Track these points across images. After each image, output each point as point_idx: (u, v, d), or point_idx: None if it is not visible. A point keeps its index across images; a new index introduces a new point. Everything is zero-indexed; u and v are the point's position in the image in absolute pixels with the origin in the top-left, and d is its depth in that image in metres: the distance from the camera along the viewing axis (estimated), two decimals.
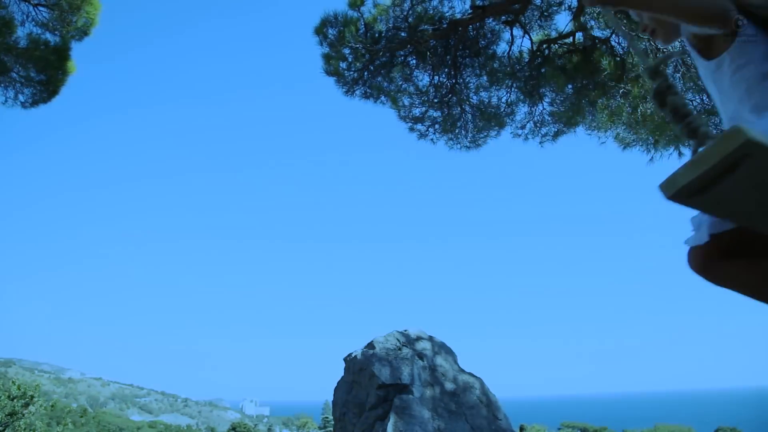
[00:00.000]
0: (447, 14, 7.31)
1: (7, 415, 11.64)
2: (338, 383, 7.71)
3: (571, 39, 7.30)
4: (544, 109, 7.61)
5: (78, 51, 7.51)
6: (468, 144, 8.02)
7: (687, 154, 6.59)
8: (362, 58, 7.30)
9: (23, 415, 11.90)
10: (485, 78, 7.66)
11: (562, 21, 7.42)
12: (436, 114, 7.92)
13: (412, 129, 8.00)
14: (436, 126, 7.97)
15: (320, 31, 7.19)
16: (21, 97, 7.44)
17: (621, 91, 6.67)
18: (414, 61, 7.64)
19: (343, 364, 7.74)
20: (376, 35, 7.23)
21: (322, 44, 7.27)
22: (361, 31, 7.12)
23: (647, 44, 6.57)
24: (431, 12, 7.27)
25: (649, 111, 6.42)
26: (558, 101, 7.45)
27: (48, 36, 7.31)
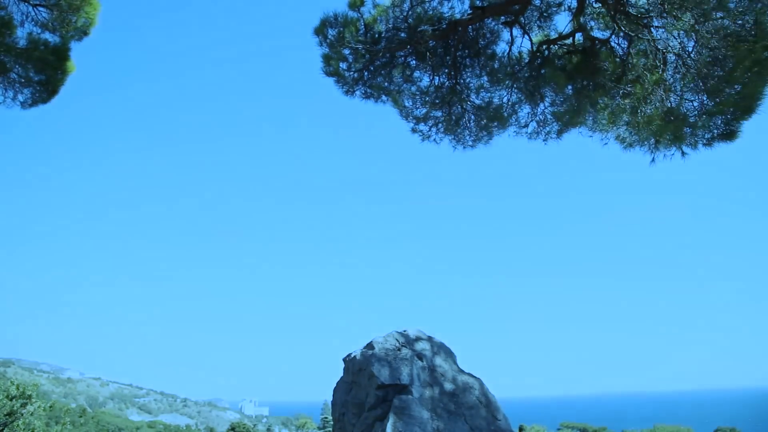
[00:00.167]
0: (446, 15, 7.31)
1: (6, 415, 11.63)
2: (337, 383, 7.71)
3: (570, 40, 7.30)
4: (545, 108, 7.61)
5: (77, 51, 7.51)
6: (471, 144, 8.01)
7: (690, 153, 6.58)
8: (362, 59, 7.29)
9: (22, 415, 11.88)
10: (485, 78, 7.65)
11: (562, 22, 7.41)
12: (438, 114, 7.91)
13: (414, 130, 7.99)
14: (439, 126, 7.96)
15: (320, 31, 7.18)
16: (20, 97, 7.43)
17: (621, 91, 6.66)
18: (414, 62, 7.63)
19: (342, 365, 7.74)
20: (376, 36, 7.23)
21: (321, 45, 7.27)
22: (361, 32, 7.11)
23: (648, 45, 6.58)
24: (431, 13, 7.26)
25: (649, 111, 6.42)
26: (558, 102, 7.44)
27: (47, 36, 7.30)
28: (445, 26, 7.22)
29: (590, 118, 7.17)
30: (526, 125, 7.78)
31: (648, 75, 6.42)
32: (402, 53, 7.50)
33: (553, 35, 7.44)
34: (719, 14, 5.56)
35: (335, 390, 7.68)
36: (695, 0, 5.66)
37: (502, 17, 7.38)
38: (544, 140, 7.74)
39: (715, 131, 6.27)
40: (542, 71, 7.35)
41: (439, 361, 7.22)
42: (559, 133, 7.64)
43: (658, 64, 6.48)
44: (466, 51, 7.55)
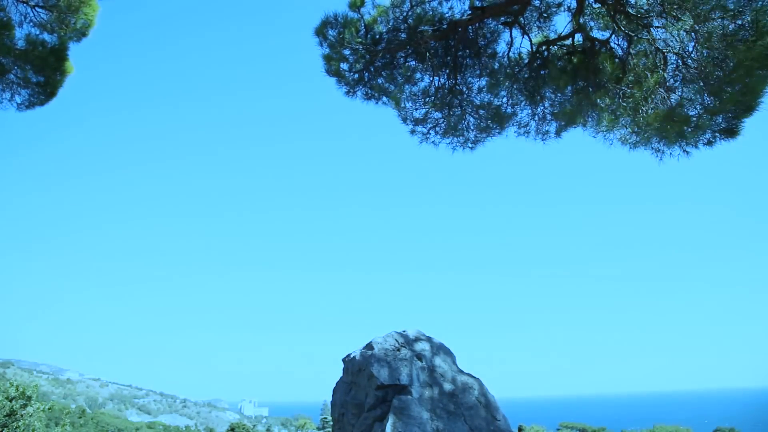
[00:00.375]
0: (446, 15, 7.31)
1: (6, 416, 11.61)
2: (337, 384, 7.70)
3: (570, 40, 7.29)
4: (545, 109, 7.60)
5: (76, 52, 7.49)
6: (471, 145, 8.01)
7: (692, 152, 6.57)
8: (362, 59, 7.29)
9: (21, 416, 11.86)
10: (485, 79, 7.65)
11: (561, 22, 7.41)
12: (437, 115, 7.91)
13: (413, 132, 7.98)
14: (437, 128, 7.95)
15: (320, 32, 7.19)
16: (17, 98, 7.38)
17: (622, 92, 6.66)
18: (414, 63, 7.63)
19: (341, 365, 7.74)
20: (377, 36, 7.23)
21: (322, 45, 7.27)
22: (361, 33, 7.12)
23: (647, 45, 6.57)
24: (431, 13, 7.27)
25: (650, 111, 6.42)
26: (558, 102, 7.44)
27: (46, 37, 7.27)
28: (445, 27, 7.23)
29: (591, 119, 7.17)
30: (526, 126, 7.78)
31: (648, 75, 6.42)
32: (402, 54, 7.50)
33: (553, 36, 7.44)
34: (718, 14, 5.56)
35: (335, 390, 7.68)
36: (695, 0, 5.66)
37: (502, 18, 7.38)
38: (543, 140, 7.74)
39: (717, 129, 6.28)
40: (542, 72, 7.35)
41: (438, 361, 7.21)
42: (559, 131, 7.64)
43: (659, 64, 6.48)
44: (467, 51, 7.55)
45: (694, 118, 6.29)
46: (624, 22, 6.62)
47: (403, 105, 7.75)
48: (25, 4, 7.09)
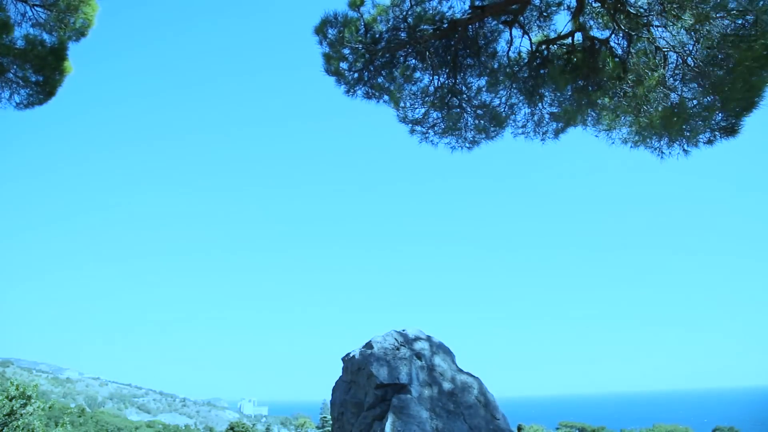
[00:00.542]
0: (447, 14, 7.30)
1: (6, 415, 11.61)
2: (336, 383, 7.70)
3: (570, 39, 7.29)
4: (544, 109, 7.60)
5: (75, 52, 7.47)
6: (469, 145, 8.00)
7: (691, 151, 6.58)
8: (362, 59, 7.29)
9: (21, 415, 11.87)
10: (485, 79, 7.64)
11: (561, 21, 7.40)
12: (437, 115, 7.90)
13: (412, 131, 7.97)
14: (436, 128, 7.95)
15: (320, 30, 7.18)
16: (16, 98, 7.36)
17: (622, 91, 6.65)
18: (414, 62, 7.62)
19: (341, 364, 7.74)
20: (376, 35, 7.22)
21: (322, 44, 7.26)
22: (361, 32, 7.11)
23: (647, 44, 6.57)
24: (431, 12, 7.26)
25: (650, 111, 6.42)
26: (558, 102, 7.43)
27: (45, 36, 7.26)
28: (445, 26, 7.22)
29: (591, 118, 7.17)
30: (524, 126, 7.77)
31: (648, 74, 6.42)
32: (402, 53, 7.49)
33: (553, 35, 7.44)
34: (719, 13, 5.56)
35: (334, 389, 7.68)
36: None
37: (502, 17, 7.38)
38: (542, 140, 7.73)
39: (717, 128, 6.28)
40: (542, 71, 7.35)
41: (437, 360, 7.21)
42: (557, 133, 7.63)
43: (659, 63, 6.47)
44: (467, 51, 7.54)
45: (695, 117, 6.28)
46: (624, 21, 6.62)
47: (402, 104, 7.74)
48: (24, 3, 7.08)
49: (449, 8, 7.30)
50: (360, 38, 7.09)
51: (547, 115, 7.60)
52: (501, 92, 7.66)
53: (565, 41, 7.36)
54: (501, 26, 7.47)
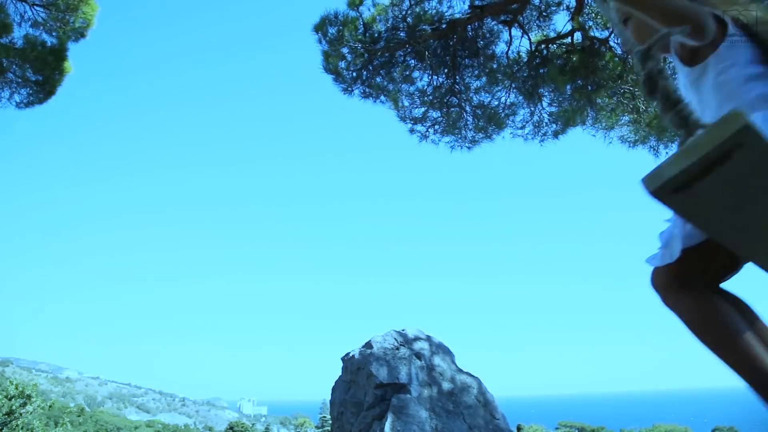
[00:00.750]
0: (446, 14, 7.30)
1: (5, 415, 11.63)
2: (336, 383, 7.71)
3: (569, 39, 7.30)
4: (543, 108, 7.60)
5: (75, 51, 7.49)
6: (469, 145, 8.01)
7: None
8: (361, 58, 7.29)
9: (21, 414, 11.88)
10: (484, 78, 7.65)
11: (561, 21, 7.42)
12: (436, 114, 7.90)
13: (412, 131, 7.98)
14: (437, 127, 7.95)
15: (320, 28, 7.18)
16: (16, 97, 7.39)
17: (621, 90, 6.66)
18: (413, 62, 7.62)
19: (340, 364, 7.74)
20: (375, 35, 7.23)
21: (321, 42, 7.26)
22: (360, 31, 7.11)
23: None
24: (430, 12, 7.26)
25: (650, 110, 6.42)
26: (557, 102, 7.44)
27: (45, 36, 7.28)
28: (444, 26, 7.22)
29: (590, 118, 7.18)
30: (523, 126, 7.79)
31: None
32: (401, 53, 7.50)
33: (552, 35, 7.45)
34: None
35: (334, 389, 7.69)
36: None
37: (501, 16, 7.39)
38: (541, 141, 7.75)
39: None
40: (541, 71, 7.36)
41: (437, 360, 7.22)
42: (556, 134, 7.64)
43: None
44: (466, 51, 7.55)
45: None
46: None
47: (401, 104, 7.74)
48: (23, 3, 7.09)
49: (449, 8, 7.31)
50: (359, 37, 7.10)
51: (546, 116, 7.61)
52: (500, 92, 7.68)
53: (564, 41, 7.37)
54: (500, 26, 7.48)
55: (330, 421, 7.90)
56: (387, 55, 7.43)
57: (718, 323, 1.45)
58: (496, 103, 7.72)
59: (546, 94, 7.50)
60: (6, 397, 11.71)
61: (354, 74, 7.50)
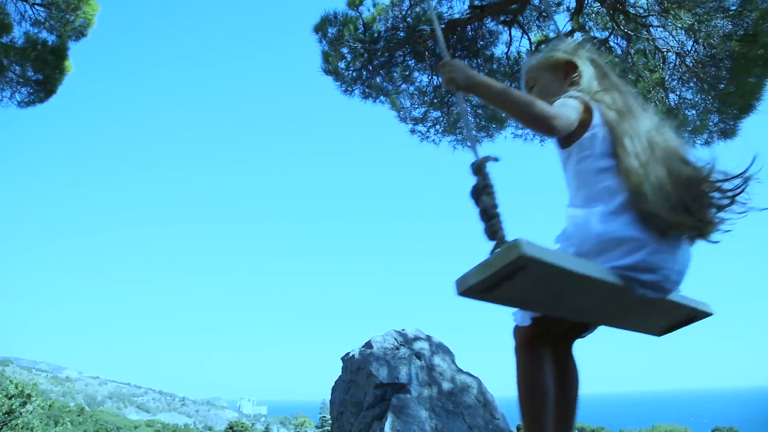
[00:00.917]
0: (446, 14, 7.30)
1: (5, 414, 11.64)
2: (336, 382, 7.71)
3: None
4: None
5: (75, 50, 7.49)
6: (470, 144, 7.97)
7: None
8: (361, 58, 7.28)
9: (21, 413, 11.89)
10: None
11: (561, 21, 7.40)
12: (437, 114, 7.89)
13: (413, 131, 7.97)
14: (438, 127, 7.94)
15: (320, 28, 7.17)
16: (17, 96, 7.39)
17: None
18: (413, 62, 7.62)
19: (340, 364, 7.74)
20: (375, 35, 7.22)
21: (321, 42, 7.25)
22: (360, 31, 7.11)
23: (647, 44, 6.57)
24: (430, 12, 7.26)
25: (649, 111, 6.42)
26: None
27: (45, 35, 7.28)
28: (444, 26, 7.22)
29: None
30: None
31: (647, 74, 6.43)
32: (401, 53, 7.49)
33: (552, 35, 7.44)
34: (719, 14, 5.57)
35: (333, 389, 7.68)
36: (694, 0, 5.67)
37: (501, 17, 7.38)
38: (541, 141, 7.73)
39: (714, 130, 6.28)
40: None
41: (437, 360, 7.22)
42: None
43: (658, 63, 6.48)
44: (465, 51, 7.54)
45: (692, 118, 6.30)
46: (623, 21, 6.63)
47: (401, 104, 7.73)
48: (24, 2, 7.09)
49: (449, 8, 7.30)
50: (359, 37, 7.09)
51: None
52: None
53: None
54: (500, 26, 7.48)
55: (330, 421, 7.91)
56: (387, 55, 7.43)
57: (531, 395, 1.70)
58: None
59: None
60: (6, 396, 11.71)
61: (354, 74, 7.50)
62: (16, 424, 11.64)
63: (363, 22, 7.11)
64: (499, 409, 6.98)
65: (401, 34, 7.27)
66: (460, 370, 7.33)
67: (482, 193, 1.35)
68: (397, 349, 7.10)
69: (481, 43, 7.56)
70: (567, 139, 1.67)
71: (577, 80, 1.77)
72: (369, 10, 7.17)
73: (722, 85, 5.91)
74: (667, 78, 6.45)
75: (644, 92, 6.37)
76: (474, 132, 7.87)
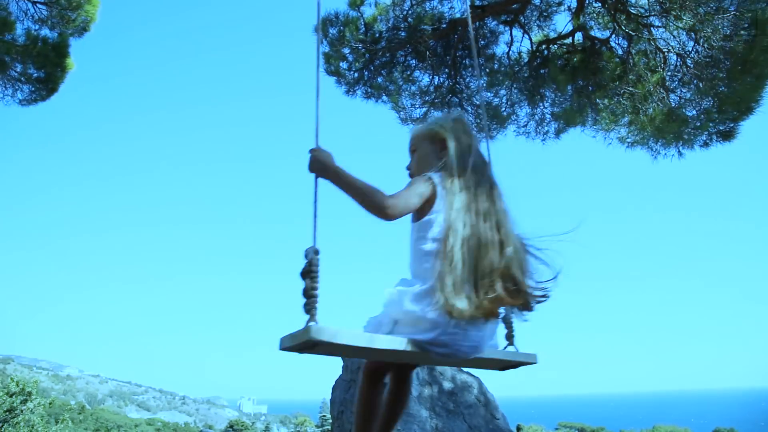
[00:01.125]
0: (447, 14, 7.30)
1: (6, 412, 11.67)
2: (336, 382, 7.71)
3: (570, 39, 7.28)
4: (544, 109, 7.58)
5: (76, 49, 7.49)
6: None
7: (686, 154, 6.58)
8: (362, 58, 7.28)
9: (21, 411, 11.92)
10: (485, 78, 7.64)
11: (562, 21, 7.40)
12: (438, 114, 7.88)
13: None
14: None
15: (321, 29, 7.17)
16: (19, 95, 7.39)
17: (622, 91, 6.65)
18: (414, 62, 7.62)
19: (341, 363, 7.75)
20: (377, 35, 7.22)
21: (322, 43, 7.25)
22: (361, 31, 7.10)
23: (648, 44, 6.56)
24: (431, 12, 7.26)
25: (650, 111, 6.42)
26: (558, 102, 7.42)
27: (47, 33, 7.28)
28: (445, 26, 7.22)
29: (590, 118, 7.16)
30: (525, 125, 7.76)
31: (648, 75, 6.42)
32: (402, 53, 7.49)
33: (553, 35, 7.43)
34: (719, 15, 5.56)
35: (334, 388, 7.69)
36: (695, 0, 5.67)
37: (503, 16, 7.38)
38: (542, 140, 7.72)
39: (714, 131, 6.28)
40: (542, 71, 7.34)
41: None
42: (558, 133, 7.61)
43: (659, 63, 6.48)
44: (466, 51, 7.54)
45: (692, 119, 6.29)
46: (624, 22, 6.63)
47: (402, 104, 7.73)
48: (26, 0, 7.10)
49: (449, 8, 7.30)
50: (360, 38, 7.09)
51: (548, 115, 7.59)
52: (501, 92, 7.66)
53: (565, 41, 7.35)
54: (501, 26, 7.47)
55: (330, 420, 7.91)
56: (388, 55, 7.43)
57: (363, 411, 2.08)
58: (498, 102, 7.70)
59: (547, 94, 7.48)
60: (7, 394, 11.74)
61: (356, 75, 7.49)
62: (17, 422, 11.67)
63: (364, 22, 7.11)
64: (499, 409, 6.98)
65: (402, 34, 7.27)
66: (461, 370, 7.34)
67: (306, 276, 1.61)
68: None
69: (483, 42, 7.55)
70: (416, 214, 1.86)
71: (444, 156, 1.94)
72: (370, 11, 7.16)
73: (722, 87, 5.90)
74: (667, 78, 6.45)
75: (645, 93, 6.37)
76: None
